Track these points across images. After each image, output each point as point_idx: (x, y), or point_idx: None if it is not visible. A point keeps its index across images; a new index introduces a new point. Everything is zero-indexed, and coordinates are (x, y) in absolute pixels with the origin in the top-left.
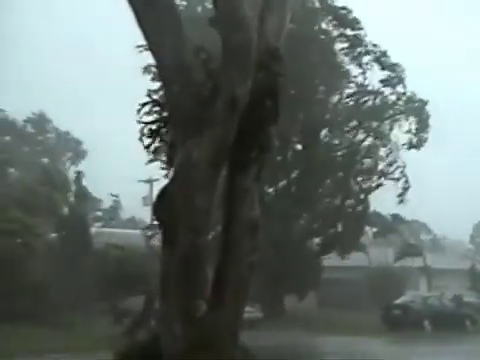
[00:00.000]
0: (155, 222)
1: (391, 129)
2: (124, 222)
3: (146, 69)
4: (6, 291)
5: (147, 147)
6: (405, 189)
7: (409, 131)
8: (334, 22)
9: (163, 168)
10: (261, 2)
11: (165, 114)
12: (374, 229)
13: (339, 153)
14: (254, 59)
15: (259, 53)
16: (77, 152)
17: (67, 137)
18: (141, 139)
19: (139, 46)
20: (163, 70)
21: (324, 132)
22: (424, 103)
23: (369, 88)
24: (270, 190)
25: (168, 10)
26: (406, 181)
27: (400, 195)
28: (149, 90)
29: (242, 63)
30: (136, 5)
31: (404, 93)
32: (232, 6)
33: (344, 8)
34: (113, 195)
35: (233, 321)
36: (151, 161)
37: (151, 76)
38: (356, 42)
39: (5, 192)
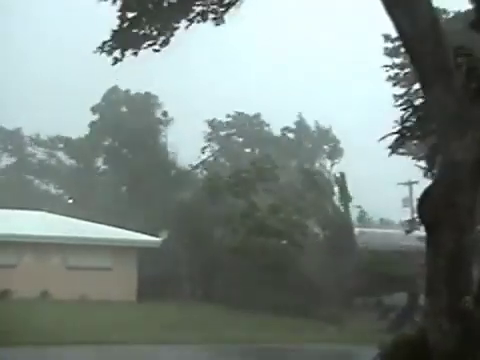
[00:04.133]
0: (416, 222)
1: None
2: (384, 223)
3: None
4: (279, 286)
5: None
6: None
7: None
8: None
9: (424, 170)
10: None
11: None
12: None
13: None
14: None
15: None
16: (334, 150)
17: (327, 135)
18: (398, 142)
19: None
20: (423, 74)
21: None
22: None
23: None
24: None
25: (426, 15)
26: None
27: None
28: (395, 96)
29: None
30: (394, 13)
31: None
32: None
33: None
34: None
35: None
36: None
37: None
38: None
39: (276, 196)
